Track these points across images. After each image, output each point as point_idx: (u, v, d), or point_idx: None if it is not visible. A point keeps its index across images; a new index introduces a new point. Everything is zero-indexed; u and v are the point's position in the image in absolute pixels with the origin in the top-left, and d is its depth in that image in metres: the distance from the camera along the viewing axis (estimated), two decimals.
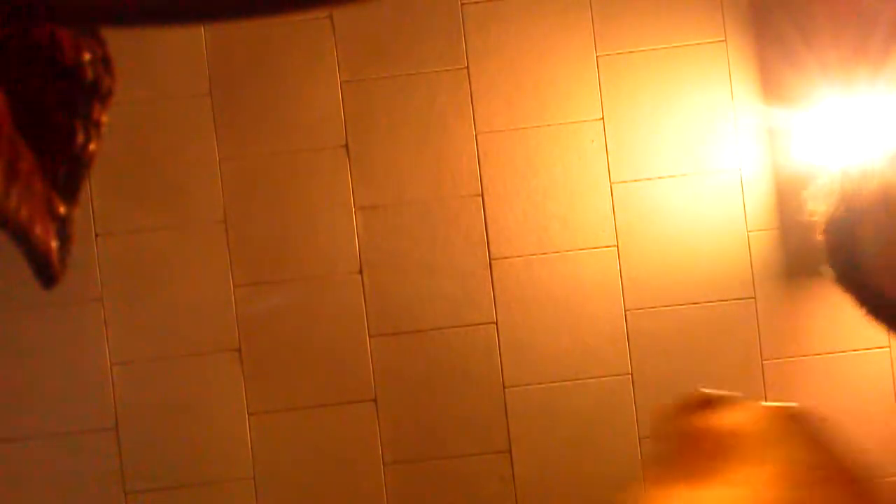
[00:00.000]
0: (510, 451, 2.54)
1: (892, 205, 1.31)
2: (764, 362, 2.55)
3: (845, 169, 1.41)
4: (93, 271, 2.54)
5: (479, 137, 2.57)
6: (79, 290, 2.52)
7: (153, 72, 2.55)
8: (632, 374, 2.54)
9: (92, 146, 0.73)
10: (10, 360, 2.56)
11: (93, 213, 2.54)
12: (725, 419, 1.05)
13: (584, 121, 2.57)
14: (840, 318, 2.45)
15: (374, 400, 2.55)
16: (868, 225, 1.33)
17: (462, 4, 2.58)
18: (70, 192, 0.72)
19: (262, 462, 2.54)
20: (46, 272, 0.70)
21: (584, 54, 2.57)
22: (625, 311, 2.55)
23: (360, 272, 2.57)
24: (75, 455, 2.54)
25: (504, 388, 2.55)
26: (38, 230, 0.69)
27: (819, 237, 1.39)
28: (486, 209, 2.57)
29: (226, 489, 2.55)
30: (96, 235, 2.55)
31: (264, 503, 2.55)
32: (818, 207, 1.39)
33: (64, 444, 2.54)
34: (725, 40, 2.56)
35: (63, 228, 0.72)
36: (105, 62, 0.72)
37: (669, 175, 2.56)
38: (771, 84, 2.54)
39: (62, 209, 0.72)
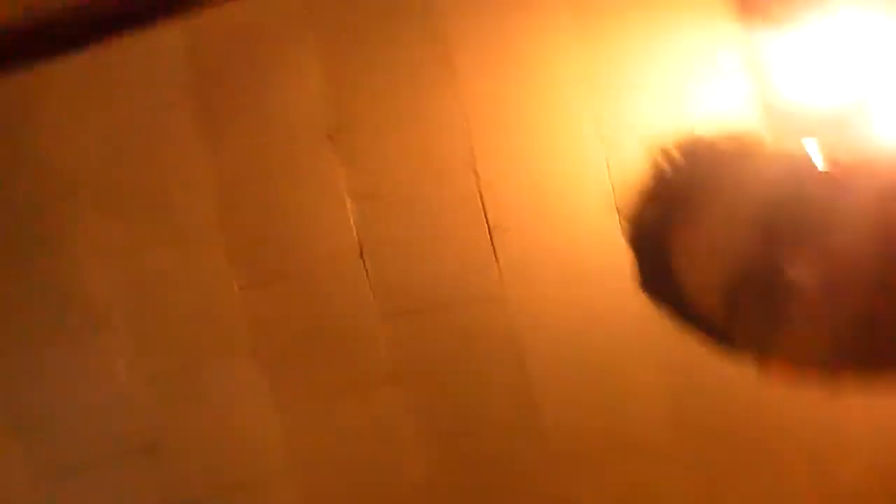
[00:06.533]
0: (536, 415, 2.54)
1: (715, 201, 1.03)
2: None
3: (666, 147, 1.13)
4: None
5: (467, 108, 2.56)
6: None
7: (133, 83, 2.56)
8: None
9: None
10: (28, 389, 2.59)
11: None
12: None
13: (572, 82, 2.56)
14: None
15: (397, 381, 2.56)
16: (682, 226, 1.04)
17: None
18: None
19: (294, 459, 2.56)
20: None
21: (566, 16, 2.56)
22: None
23: (361, 256, 2.57)
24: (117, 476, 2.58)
25: (522, 355, 2.55)
26: None
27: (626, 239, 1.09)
28: (480, 180, 2.56)
29: (261, 491, 2.57)
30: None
31: (303, 497, 2.57)
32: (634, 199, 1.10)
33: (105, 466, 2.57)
34: None
35: None
36: None
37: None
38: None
39: None
